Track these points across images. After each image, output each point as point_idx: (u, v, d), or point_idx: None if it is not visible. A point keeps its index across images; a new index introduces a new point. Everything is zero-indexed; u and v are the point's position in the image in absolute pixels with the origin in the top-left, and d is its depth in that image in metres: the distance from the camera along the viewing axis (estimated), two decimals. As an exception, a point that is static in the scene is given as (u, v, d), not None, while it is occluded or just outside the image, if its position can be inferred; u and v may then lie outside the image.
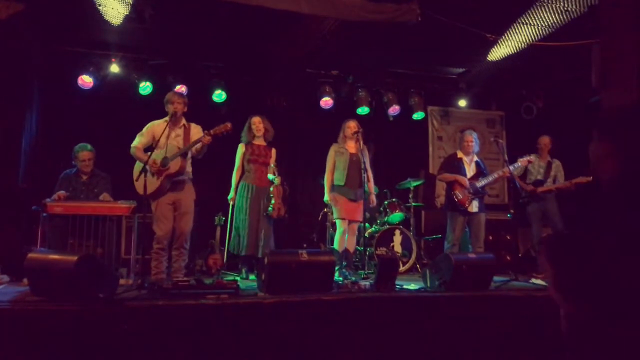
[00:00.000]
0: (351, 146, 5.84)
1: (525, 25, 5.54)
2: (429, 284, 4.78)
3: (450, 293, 4.40)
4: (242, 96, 7.08)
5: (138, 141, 4.94)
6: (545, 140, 6.49)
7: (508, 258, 7.04)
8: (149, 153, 4.72)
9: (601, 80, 3.69)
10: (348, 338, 3.82)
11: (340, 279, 5.21)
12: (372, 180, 5.93)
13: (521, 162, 6.01)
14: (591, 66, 4.04)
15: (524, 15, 5.40)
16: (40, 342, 3.26)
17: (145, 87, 6.63)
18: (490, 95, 8.56)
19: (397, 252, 6.61)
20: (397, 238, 6.71)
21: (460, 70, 7.80)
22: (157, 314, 3.55)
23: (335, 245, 5.67)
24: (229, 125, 4.78)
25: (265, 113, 5.93)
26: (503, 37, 5.78)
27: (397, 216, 6.89)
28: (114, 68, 6.55)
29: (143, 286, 4.25)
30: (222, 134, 4.77)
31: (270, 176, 5.62)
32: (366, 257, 6.06)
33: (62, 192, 5.10)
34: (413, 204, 7.16)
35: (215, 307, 3.68)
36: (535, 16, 5.38)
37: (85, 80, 6.40)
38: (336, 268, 4.91)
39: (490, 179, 5.94)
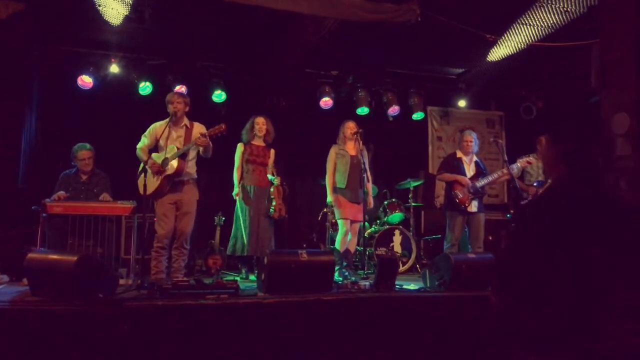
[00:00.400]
0: (351, 148, 5.83)
1: (524, 26, 5.55)
2: (428, 284, 4.78)
3: (449, 293, 4.40)
4: (241, 96, 7.08)
5: (142, 142, 4.97)
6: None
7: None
8: (151, 154, 4.75)
9: (601, 80, 3.70)
10: (348, 338, 3.82)
11: (340, 279, 5.21)
12: (371, 180, 5.93)
13: (520, 163, 6.00)
14: (591, 66, 4.04)
15: (523, 16, 5.41)
16: (40, 342, 3.26)
17: (145, 87, 6.62)
18: (489, 95, 8.56)
19: (397, 252, 6.61)
20: (397, 238, 6.72)
21: (460, 70, 7.80)
22: (157, 314, 3.55)
23: (337, 246, 5.67)
24: (223, 126, 4.79)
25: (265, 113, 5.93)
26: (503, 37, 5.79)
27: (396, 216, 6.90)
28: (114, 68, 6.55)
29: (143, 286, 4.25)
30: (216, 136, 4.79)
31: (269, 176, 5.63)
32: (366, 257, 6.07)
33: (61, 193, 5.10)
34: (413, 204, 7.16)
35: (215, 307, 3.68)
36: (535, 17, 5.38)
37: (85, 80, 6.39)
38: (336, 268, 4.91)
39: (490, 179, 5.94)
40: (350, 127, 5.83)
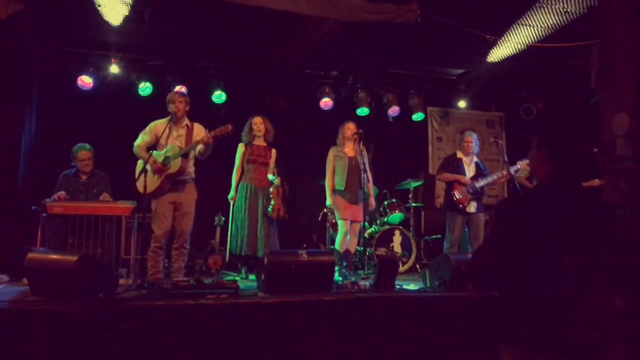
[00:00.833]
0: (350, 149, 5.82)
1: (524, 27, 5.55)
2: (428, 284, 4.79)
3: (449, 293, 4.40)
4: (241, 96, 7.08)
5: (141, 140, 4.95)
6: None
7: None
8: (151, 152, 4.73)
9: (601, 80, 3.70)
10: (348, 338, 3.82)
11: (340, 279, 5.21)
12: (371, 181, 5.93)
13: (521, 165, 6.00)
14: (591, 66, 4.04)
15: (523, 17, 5.41)
16: (39, 342, 3.26)
17: (145, 88, 6.63)
18: (489, 96, 8.57)
19: (397, 253, 6.61)
20: (397, 238, 6.71)
21: (460, 71, 7.81)
22: (157, 313, 3.55)
23: (337, 246, 5.67)
24: (229, 127, 4.77)
25: (264, 113, 5.93)
26: (502, 38, 5.79)
27: (396, 217, 6.90)
28: (114, 68, 6.55)
29: (143, 286, 4.24)
30: (222, 136, 4.77)
31: (270, 176, 5.62)
32: (366, 258, 6.07)
33: (61, 193, 5.10)
34: (413, 204, 7.17)
35: (214, 307, 3.68)
36: (535, 17, 5.39)
37: (85, 81, 6.40)
38: (336, 268, 4.91)
39: (489, 179, 5.94)
40: (350, 128, 5.82)
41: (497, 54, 6.19)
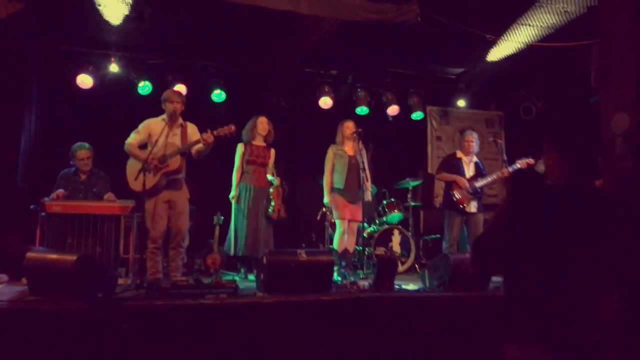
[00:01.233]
0: (349, 148, 5.81)
1: (524, 26, 5.55)
2: (427, 284, 4.78)
3: (448, 293, 4.41)
4: (241, 96, 7.07)
5: (133, 138, 4.91)
6: None
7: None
8: (148, 150, 4.71)
9: (601, 80, 3.70)
10: (347, 338, 3.82)
11: (339, 279, 5.20)
12: (369, 180, 5.92)
13: (520, 164, 5.99)
14: (591, 66, 4.04)
15: (523, 16, 5.41)
16: (38, 342, 3.26)
17: (145, 87, 6.62)
18: (489, 95, 8.55)
19: (396, 252, 6.60)
20: (396, 238, 6.71)
21: (460, 70, 7.80)
22: (156, 313, 3.55)
23: (335, 246, 5.66)
24: (233, 127, 4.76)
25: (264, 113, 5.93)
26: (502, 37, 5.79)
27: (395, 216, 6.89)
28: (114, 68, 6.54)
29: (142, 286, 4.25)
30: (225, 136, 4.76)
31: (269, 177, 5.61)
32: (365, 257, 6.07)
33: (60, 191, 5.09)
34: (412, 204, 7.16)
35: (214, 307, 3.68)
36: (535, 17, 5.39)
37: (85, 80, 6.39)
38: (335, 268, 4.91)
39: (489, 179, 5.93)
40: (349, 126, 5.82)
41: (496, 53, 6.19)
